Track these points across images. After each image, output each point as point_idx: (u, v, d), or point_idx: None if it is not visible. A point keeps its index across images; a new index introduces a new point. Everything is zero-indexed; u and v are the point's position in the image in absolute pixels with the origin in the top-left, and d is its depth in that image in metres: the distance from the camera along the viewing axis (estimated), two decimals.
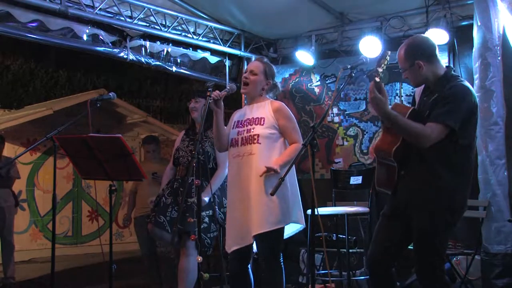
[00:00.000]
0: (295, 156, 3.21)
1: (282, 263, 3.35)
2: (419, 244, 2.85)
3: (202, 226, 3.79)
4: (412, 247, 2.94)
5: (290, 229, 3.45)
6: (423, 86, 3.03)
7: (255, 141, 3.33)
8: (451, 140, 2.76)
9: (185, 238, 3.92)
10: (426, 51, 2.92)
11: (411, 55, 2.90)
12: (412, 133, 2.75)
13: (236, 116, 3.55)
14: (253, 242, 3.34)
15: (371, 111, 5.72)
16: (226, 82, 6.07)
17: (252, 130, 3.37)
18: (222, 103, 3.33)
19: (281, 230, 3.31)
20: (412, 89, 5.13)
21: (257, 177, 3.26)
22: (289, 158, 3.26)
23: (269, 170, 3.18)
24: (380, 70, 2.72)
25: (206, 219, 3.93)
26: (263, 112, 3.42)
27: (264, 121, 3.37)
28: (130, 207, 5.76)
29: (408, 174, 2.86)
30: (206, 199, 3.83)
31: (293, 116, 3.47)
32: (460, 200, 2.85)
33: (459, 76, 3.03)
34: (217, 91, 3.30)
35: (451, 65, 5.14)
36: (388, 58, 2.76)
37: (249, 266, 3.49)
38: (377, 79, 2.69)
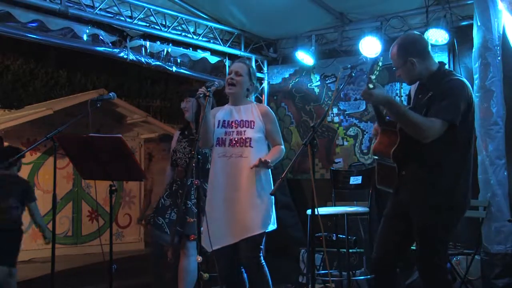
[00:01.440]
0: (280, 157, 3.44)
1: (264, 262, 3.42)
2: (420, 242, 2.84)
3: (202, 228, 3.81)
4: (414, 247, 2.94)
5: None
6: (417, 83, 3.02)
7: (248, 145, 3.38)
8: (450, 137, 2.75)
9: (185, 239, 3.92)
10: (418, 48, 2.92)
11: (403, 53, 2.90)
12: (412, 124, 2.70)
13: (220, 115, 3.53)
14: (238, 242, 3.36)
15: (371, 111, 5.72)
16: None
17: (243, 133, 3.41)
18: (211, 98, 3.33)
19: (265, 232, 3.41)
20: None
21: (248, 179, 3.33)
22: (276, 157, 3.41)
23: (261, 163, 3.24)
24: (373, 77, 2.70)
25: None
26: (252, 115, 3.47)
27: (254, 124, 3.44)
28: (146, 205, 5.77)
29: (409, 174, 2.86)
30: None
31: (276, 119, 3.59)
32: (459, 199, 2.84)
33: (452, 71, 3.03)
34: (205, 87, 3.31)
35: (451, 65, 5.16)
36: (380, 63, 2.74)
37: (241, 265, 3.50)
38: (371, 85, 2.67)
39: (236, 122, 3.45)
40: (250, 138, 3.38)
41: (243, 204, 3.32)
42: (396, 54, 2.92)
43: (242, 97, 3.53)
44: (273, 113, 3.57)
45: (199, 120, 3.27)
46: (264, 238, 3.42)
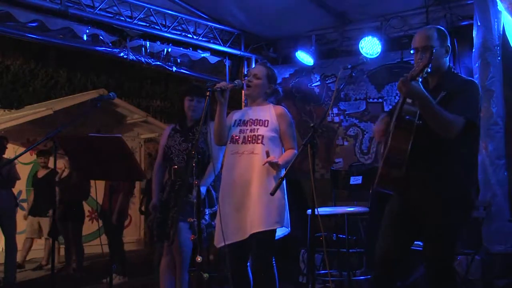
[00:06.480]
0: (292, 161, 3.30)
1: (274, 264, 3.37)
2: (433, 240, 2.80)
3: (202, 223, 3.78)
4: (414, 247, 2.93)
5: (278, 232, 3.46)
6: None
7: (259, 141, 3.37)
8: (464, 134, 2.73)
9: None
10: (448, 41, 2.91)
11: (444, 37, 2.88)
12: (444, 121, 2.67)
13: (237, 115, 3.56)
14: (247, 239, 3.33)
15: (371, 111, 5.72)
16: (226, 82, 6.08)
17: (256, 130, 3.40)
18: (228, 95, 3.34)
19: (275, 231, 3.36)
20: None
21: (259, 176, 3.30)
22: (288, 160, 3.35)
23: (272, 163, 3.22)
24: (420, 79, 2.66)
25: (207, 216, 3.91)
26: (267, 115, 3.46)
27: (268, 123, 3.43)
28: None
29: (420, 174, 2.81)
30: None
31: (293, 123, 3.55)
32: (473, 195, 2.85)
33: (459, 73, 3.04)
34: (224, 82, 3.33)
35: (451, 65, 5.16)
36: (429, 70, 2.69)
37: (248, 264, 3.49)
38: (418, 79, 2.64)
39: (251, 120, 3.46)
40: (262, 136, 3.37)
41: (253, 201, 3.29)
42: (437, 35, 2.87)
43: (259, 100, 3.52)
44: (289, 116, 3.52)
45: (202, 117, 3.25)
46: (274, 238, 3.35)
